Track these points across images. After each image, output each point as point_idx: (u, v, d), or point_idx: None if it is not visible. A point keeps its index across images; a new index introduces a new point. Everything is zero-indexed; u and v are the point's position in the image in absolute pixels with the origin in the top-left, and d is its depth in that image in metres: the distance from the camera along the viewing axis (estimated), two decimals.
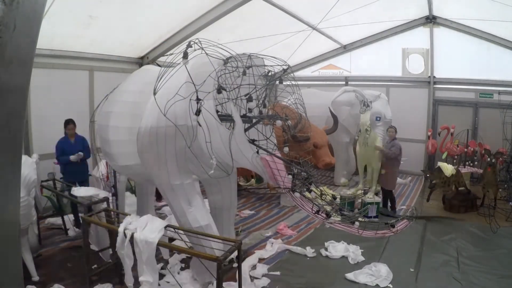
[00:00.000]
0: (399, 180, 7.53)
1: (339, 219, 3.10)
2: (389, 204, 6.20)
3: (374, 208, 5.83)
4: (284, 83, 3.28)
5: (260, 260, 4.27)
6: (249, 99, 2.96)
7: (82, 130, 5.33)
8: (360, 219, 3.17)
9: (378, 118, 7.38)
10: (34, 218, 3.92)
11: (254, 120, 3.20)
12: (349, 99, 7.52)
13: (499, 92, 7.96)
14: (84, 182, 5.20)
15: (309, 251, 4.51)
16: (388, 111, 7.49)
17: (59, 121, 5.29)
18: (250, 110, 3.17)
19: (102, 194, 4.05)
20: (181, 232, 2.93)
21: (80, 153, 5.02)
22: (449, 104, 8.82)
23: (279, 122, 3.16)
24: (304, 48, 8.65)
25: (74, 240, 4.71)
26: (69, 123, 5.10)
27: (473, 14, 7.30)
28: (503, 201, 6.37)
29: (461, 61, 8.45)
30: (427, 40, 8.63)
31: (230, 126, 2.96)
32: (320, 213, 3.04)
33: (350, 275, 3.92)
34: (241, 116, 3.07)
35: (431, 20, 8.34)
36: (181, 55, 2.94)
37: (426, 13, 8.25)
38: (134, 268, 3.12)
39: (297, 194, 2.98)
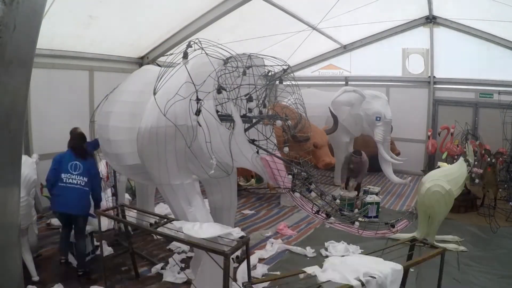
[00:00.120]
0: (399, 180, 7.52)
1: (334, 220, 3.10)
2: None
3: (374, 208, 5.83)
4: (284, 83, 3.28)
5: (260, 260, 4.27)
6: (249, 99, 2.95)
7: (82, 129, 5.32)
8: (360, 219, 3.16)
9: (378, 118, 7.38)
10: (34, 218, 3.92)
11: (254, 120, 3.20)
12: (349, 99, 7.51)
13: (499, 92, 7.97)
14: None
15: (309, 251, 4.51)
16: (388, 111, 7.49)
17: (59, 121, 5.30)
18: (250, 110, 3.17)
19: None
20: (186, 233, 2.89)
21: None
22: (449, 104, 8.82)
23: (279, 122, 3.16)
24: (304, 48, 8.65)
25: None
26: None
27: (473, 14, 7.30)
28: (503, 201, 6.37)
29: (461, 61, 8.45)
30: (427, 40, 8.63)
31: (230, 126, 2.96)
32: (320, 213, 3.03)
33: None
34: (241, 116, 3.06)
35: (431, 20, 8.34)
36: (181, 55, 2.93)
37: (426, 13, 8.25)
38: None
39: (297, 194, 2.98)
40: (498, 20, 6.93)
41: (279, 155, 3.12)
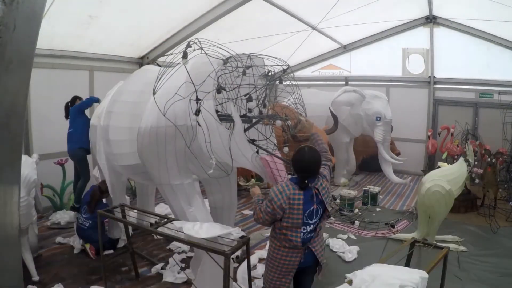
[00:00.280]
0: (399, 180, 7.53)
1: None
2: None
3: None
4: (284, 83, 3.28)
5: (260, 260, 4.26)
6: (249, 99, 2.96)
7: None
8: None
9: (378, 118, 7.38)
10: (34, 218, 3.92)
11: (254, 120, 3.20)
12: (349, 99, 7.52)
13: (499, 92, 7.96)
14: None
15: None
16: (388, 111, 7.49)
17: (59, 121, 5.30)
18: (250, 110, 3.18)
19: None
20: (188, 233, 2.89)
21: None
22: (449, 104, 8.82)
23: (279, 122, 3.17)
24: (304, 48, 8.65)
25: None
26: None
27: (473, 14, 7.30)
28: (503, 201, 6.37)
29: (461, 61, 8.45)
30: (427, 40, 8.63)
31: (229, 126, 2.96)
32: None
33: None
34: (241, 116, 3.07)
35: (431, 20, 8.34)
36: (181, 55, 2.94)
37: (426, 13, 8.25)
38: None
39: None
40: (498, 20, 6.93)
41: (279, 155, 3.12)
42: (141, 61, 6.98)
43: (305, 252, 2.65)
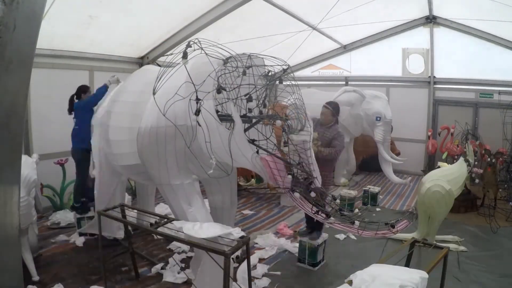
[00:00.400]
0: (399, 180, 7.51)
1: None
2: None
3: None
4: (284, 83, 3.28)
5: (260, 260, 4.27)
6: (249, 99, 2.96)
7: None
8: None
9: (378, 118, 7.38)
10: (34, 218, 3.92)
11: (254, 120, 3.20)
12: (349, 99, 7.51)
13: (499, 92, 7.97)
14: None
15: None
16: (388, 111, 7.49)
17: (59, 121, 5.30)
18: (250, 110, 3.18)
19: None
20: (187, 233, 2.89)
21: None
22: (449, 104, 8.82)
23: (279, 122, 3.16)
24: (304, 48, 8.65)
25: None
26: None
27: (473, 14, 7.30)
28: (503, 201, 6.37)
29: (461, 61, 8.45)
30: (427, 40, 8.63)
31: (229, 126, 2.96)
32: (319, 213, 3.03)
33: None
34: (241, 116, 3.07)
35: (431, 20, 8.34)
36: (181, 55, 2.93)
37: (426, 13, 8.25)
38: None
39: (296, 194, 2.98)
40: (498, 20, 6.93)
41: (279, 155, 3.12)
42: (141, 61, 6.98)
43: None
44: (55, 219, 5.29)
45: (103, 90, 4.77)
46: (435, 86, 8.95)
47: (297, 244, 4.36)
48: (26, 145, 5.33)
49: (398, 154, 8.17)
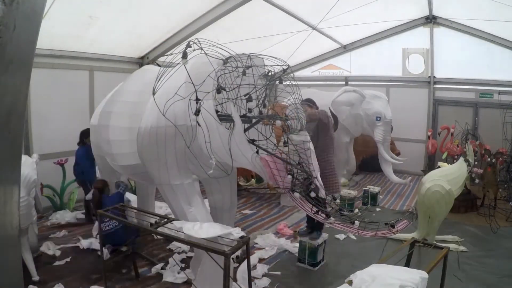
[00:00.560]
0: (399, 180, 7.51)
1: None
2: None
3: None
4: (284, 83, 3.28)
5: (260, 260, 4.27)
6: (249, 99, 2.96)
7: (82, 129, 5.34)
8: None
9: (378, 118, 7.38)
10: (34, 218, 3.92)
11: (254, 120, 3.20)
12: (349, 99, 7.51)
13: (499, 92, 7.97)
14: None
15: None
16: (388, 111, 7.49)
17: (59, 121, 5.30)
18: (250, 110, 3.18)
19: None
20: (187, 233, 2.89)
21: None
22: (449, 104, 8.82)
23: (279, 122, 3.16)
24: (304, 48, 8.65)
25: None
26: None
27: (473, 14, 7.30)
28: (503, 201, 6.37)
29: (461, 61, 8.45)
30: (427, 40, 8.63)
31: (229, 126, 2.96)
32: (319, 213, 3.03)
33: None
34: (241, 116, 3.06)
35: (431, 20, 8.34)
36: (181, 55, 2.94)
37: (426, 13, 8.25)
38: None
39: (296, 194, 2.98)
40: (498, 20, 6.93)
41: (279, 155, 3.12)
42: (141, 61, 6.98)
43: None
44: (55, 219, 5.30)
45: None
46: (435, 86, 8.95)
47: (297, 244, 4.36)
48: (26, 145, 5.33)
49: (398, 154, 8.17)
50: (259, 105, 3.15)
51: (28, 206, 3.63)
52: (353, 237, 4.87)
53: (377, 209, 6.25)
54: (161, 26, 6.10)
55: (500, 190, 6.38)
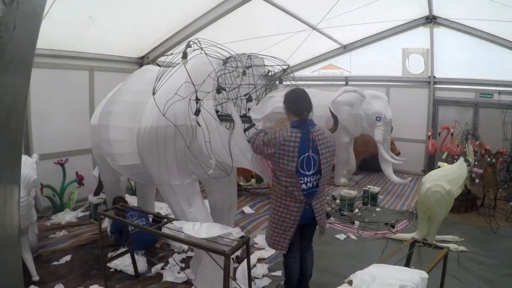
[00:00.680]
0: (399, 180, 7.51)
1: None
2: None
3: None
4: (284, 83, 3.28)
5: (260, 260, 4.27)
6: (249, 99, 2.96)
7: (83, 129, 5.34)
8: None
9: (378, 118, 7.38)
10: (34, 218, 3.92)
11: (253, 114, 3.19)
12: (349, 99, 7.51)
13: (499, 92, 7.96)
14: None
15: None
16: (388, 111, 7.49)
17: (59, 121, 5.30)
18: (250, 110, 3.18)
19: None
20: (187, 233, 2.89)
21: None
22: (449, 104, 8.83)
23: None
24: (304, 48, 8.65)
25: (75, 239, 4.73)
26: None
27: (473, 14, 7.30)
28: (503, 201, 6.37)
29: (461, 61, 8.44)
30: (427, 40, 8.62)
31: (229, 126, 2.96)
32: None
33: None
34: (241, 116, 3.07)
35: (431, 20, 8.34)
36: (181, 55, 2.94)
37: (426, 13, 8.25)
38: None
39: None
40: (498, 20, 6.93)
41: None
42: (141, 61, 6.98)
43: (305, 208, 2.83)
44: (55, 219, 5.29)
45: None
46: (435, 86, 8.94)
47: None
48: (26, 145, 5.33)
49: (398, 154, 8.17)
50: None
51: (28, 206, 3.63)
52: (353, 237, 4.87)
53: (377, 209, 6.25)
54: (161, 26, 6.10)
55: (500, 190, 6.38)
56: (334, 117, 6.82)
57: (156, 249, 4.54)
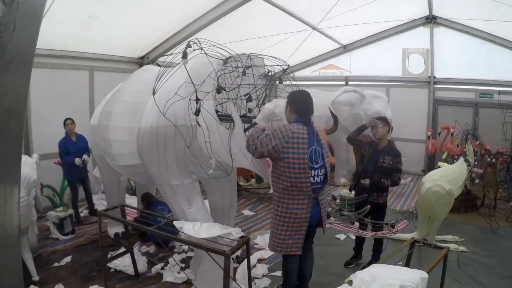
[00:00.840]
0: None
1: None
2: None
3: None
4: (284, 83, 3.28)
5: (260, 260, 4.27)
6: (249, 99, 2.96)
7: (82, 130, 5.34)
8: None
9: None
10: (34, 218, 3.92)
11: (254, 120, 3.20)
12: (349, 99, 7.51)
13: (499, 92, 7.96)
14: (86, 180, 5.32)
15: None
16: (388, 111, 7.49)
17: (59, 121, 5.29)
18: (250, 110, 3.18)
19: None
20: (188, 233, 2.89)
21: (85, 156, 5.19)
22: (449, 104, 8.82)
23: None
24: (304, 48, 8.65)
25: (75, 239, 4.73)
26: (67, 120, 5.20)
27: (473, 14, 7.30)
28: (503, 201, 6.37)
29: (461, 61, 8.44)
30: (427, 40, 8.62)
31: (229, 126, 2.96)
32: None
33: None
34: (241, 116, 3.07)
35: (431, 20, 8.33)
36: (181, 55, 2.94)
37: (426, 13, 8.24)
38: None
39: None
40: (498, 20, 6.93)
41: None
42: (141, 61, 6.98)
43: (313, 203, 2.81)
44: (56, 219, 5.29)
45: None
46: (435, 86, 8.94)
47: None
48: (26, 145, 5.33)
49: None
50: (259, 105, 3.15)
51: (28, 206, 3.63)
52: (353, 237, 4.87)
53: None
54: (161, 26, 6.09)
55: (500, 190, 6.38)
56: (334, 117, 6.88)
57: (156, 249, 4.54)
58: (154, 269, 3.98)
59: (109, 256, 3.82)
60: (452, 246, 4.50)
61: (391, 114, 7.56)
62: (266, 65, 3.25)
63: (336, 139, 7.60)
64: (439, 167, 5.54)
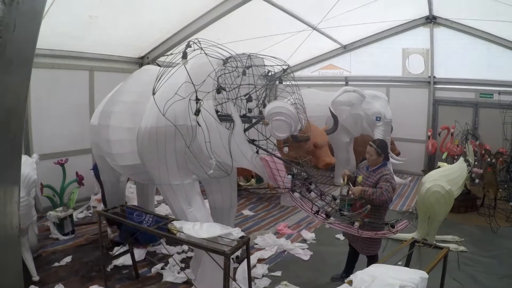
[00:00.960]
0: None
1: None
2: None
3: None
4: (284, 83, 3.28)
5: (260, 260, 4.27)
6: (249, 99, 2.96)
7: (82, 129, 5.34)
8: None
9: (378, 118, 7.38)
10: (34, 218, 3.92)
11: (253, 120, 3.20)
12: (349, 99, 7.52)
13: (499, 92, 7.96)
14: None
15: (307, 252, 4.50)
16: (388, 111, 7.49)
17: (59, 121, 5.30)
18: (250, 110, 3.17)
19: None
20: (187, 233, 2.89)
21: None
22: (449, 104, 8.82)
23: None
24: (304, 48, 8.65)
25: (75, 240, 4.73)
26: None
27: (473, 14, 7.30)
28: (503, 201, 6.37)
29: (461, 61, 8.44)
30: (427, 40, 8.62)
31: (229, 126, 2.96)
32: (319, 213, 3.03)
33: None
34: (241, 116, 3.06)
35: (431, 20, 8.34)
36: (181, 55, 2.94)
37: (426, 13, 8.25)
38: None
39: (296, 194, 2.98)
40: (498, 20, 6.93)
41: (279, 155, 3.12)
42: (141, 61, 6.98)
43: None
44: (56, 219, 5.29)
45: None
46: (435, 86, 8.94)
47: (297, 244, 4.35)
48: (26, 145, 5.33)
49: (398, 154, 8.16)
50: (259, 105, 3.15)
51: (28, 206, 3.63)
52: None
53: None
54: (161, 26, 6.09)
55: (500, 190, 6.38)
56: (334, 117, 6.88)
57: (156, 249, 4.54)
58: (154, 269, 3.98)
59: (111, 253, 3.82)
60: (452, 246, 4.51)
61: (391, 114, 7.55)
62: (266, 65, 3.25)
63: (336, 139, 7.60)
64: (439, 167, 5.53)
